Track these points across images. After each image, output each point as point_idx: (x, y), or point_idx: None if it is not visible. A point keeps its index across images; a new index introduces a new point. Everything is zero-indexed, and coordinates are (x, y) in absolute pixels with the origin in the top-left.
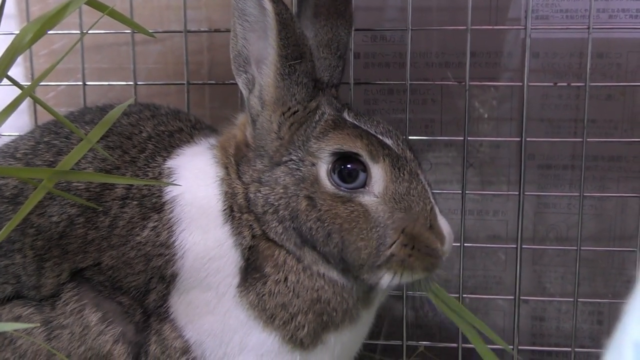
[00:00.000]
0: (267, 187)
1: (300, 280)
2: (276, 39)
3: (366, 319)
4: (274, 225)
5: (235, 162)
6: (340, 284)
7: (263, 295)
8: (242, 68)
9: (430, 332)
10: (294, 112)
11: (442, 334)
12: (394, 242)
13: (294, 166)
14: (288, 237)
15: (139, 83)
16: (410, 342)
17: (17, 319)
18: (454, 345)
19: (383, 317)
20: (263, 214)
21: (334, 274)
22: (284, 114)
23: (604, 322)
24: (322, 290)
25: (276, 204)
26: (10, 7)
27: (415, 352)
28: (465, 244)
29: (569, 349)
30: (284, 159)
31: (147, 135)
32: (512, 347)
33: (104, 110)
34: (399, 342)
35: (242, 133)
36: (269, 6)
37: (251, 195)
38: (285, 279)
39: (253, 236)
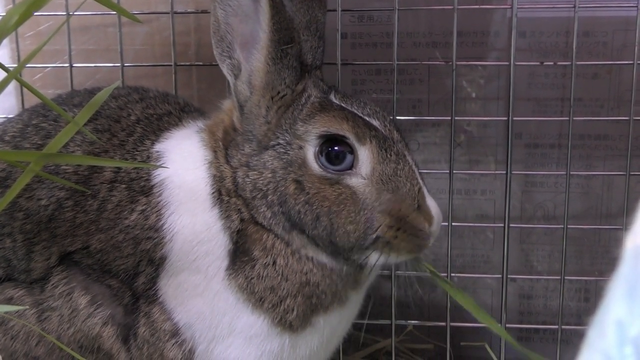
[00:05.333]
0: (255, 172)
1: (289, 264)
2: (269, 24)
3: (355, 301)
4: (262, 210)
5: (223, 146)
6: (329, 266)
7: (252, 279)
8: (226, 53)
9: (419, 312)
10: (283, 96)
11: (430, 313)
12: (381, 225)
13: (282, 150)
14: (277, 222)
15: (126, 65)
16: (399, 322)
17: (9, 300)
18: (443, 324)
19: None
20: (252, 199)
21: (323, 257)
22: (272, 98)
23: (591, 300)
24: (310, 274)
25: (264, 188)
26: None
27: (404, 331)
28: (453, 223)
29: (556, 327)
30: (272, 142)
31: (136, 119)
32: (500, 325)
33: (92, 93)
34: (387, 322)
35: (230, 118)
36: None
37: (239, 180)
38: (274, 262)
39: (241, 220)
